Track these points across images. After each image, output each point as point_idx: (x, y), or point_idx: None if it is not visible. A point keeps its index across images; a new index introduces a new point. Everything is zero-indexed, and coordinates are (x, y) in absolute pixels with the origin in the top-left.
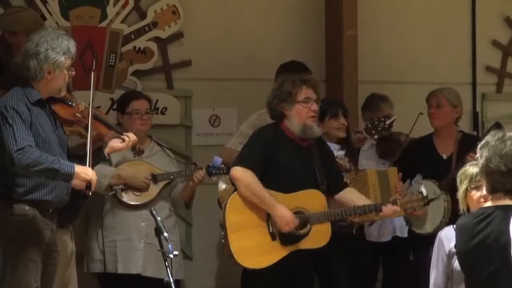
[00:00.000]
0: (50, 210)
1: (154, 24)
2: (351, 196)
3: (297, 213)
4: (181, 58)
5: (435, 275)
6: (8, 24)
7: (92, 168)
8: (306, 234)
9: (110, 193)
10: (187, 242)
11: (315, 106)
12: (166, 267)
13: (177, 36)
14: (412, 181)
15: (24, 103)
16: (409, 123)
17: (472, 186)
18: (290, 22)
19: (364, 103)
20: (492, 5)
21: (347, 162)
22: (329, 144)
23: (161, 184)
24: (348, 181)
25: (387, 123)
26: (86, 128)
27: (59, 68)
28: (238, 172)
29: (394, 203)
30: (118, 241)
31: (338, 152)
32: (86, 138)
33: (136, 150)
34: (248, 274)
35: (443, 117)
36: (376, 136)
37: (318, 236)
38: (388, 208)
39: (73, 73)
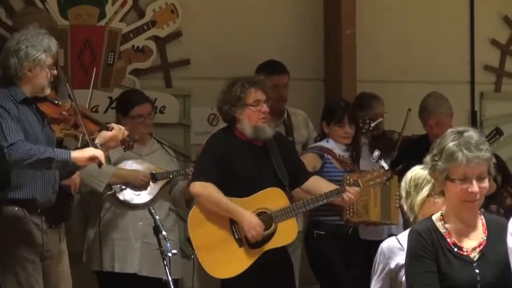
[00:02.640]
0: (38, 210)
1: (152, 23)
2: (315, 184)
3: (261, 213)
4: (179, 57)
5: (379, 286)
6: (24, 23)
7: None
8: (272, 234)
9: (109, 192)
10: (185, 241)
11: (265, 108)
12: (165, 265)
13: (176, 34)
14: (371, 158)
15: (11, 101)
16: (407, 122)
17: (436, 191)
18: (289, 21)
19: (354, 102)
20: (490, 4)
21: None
22: (335, 144)
23: (160, 183)
24: (351, 180)
25: (372, 125)
26: (74, 126)
27: (40, 66)
28: (198, 187)
29: (356, 183)
30: (115, 240)
31: (343, 152)
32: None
33: (126, 145)
34: (228, 284)
35: (446, 129)
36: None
37: (285, 233)
38: (348, 193)
39: (55, 72)
